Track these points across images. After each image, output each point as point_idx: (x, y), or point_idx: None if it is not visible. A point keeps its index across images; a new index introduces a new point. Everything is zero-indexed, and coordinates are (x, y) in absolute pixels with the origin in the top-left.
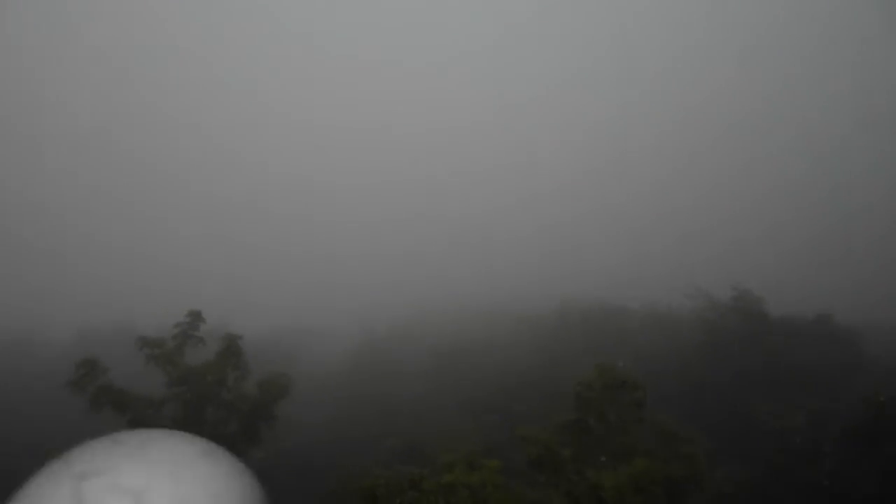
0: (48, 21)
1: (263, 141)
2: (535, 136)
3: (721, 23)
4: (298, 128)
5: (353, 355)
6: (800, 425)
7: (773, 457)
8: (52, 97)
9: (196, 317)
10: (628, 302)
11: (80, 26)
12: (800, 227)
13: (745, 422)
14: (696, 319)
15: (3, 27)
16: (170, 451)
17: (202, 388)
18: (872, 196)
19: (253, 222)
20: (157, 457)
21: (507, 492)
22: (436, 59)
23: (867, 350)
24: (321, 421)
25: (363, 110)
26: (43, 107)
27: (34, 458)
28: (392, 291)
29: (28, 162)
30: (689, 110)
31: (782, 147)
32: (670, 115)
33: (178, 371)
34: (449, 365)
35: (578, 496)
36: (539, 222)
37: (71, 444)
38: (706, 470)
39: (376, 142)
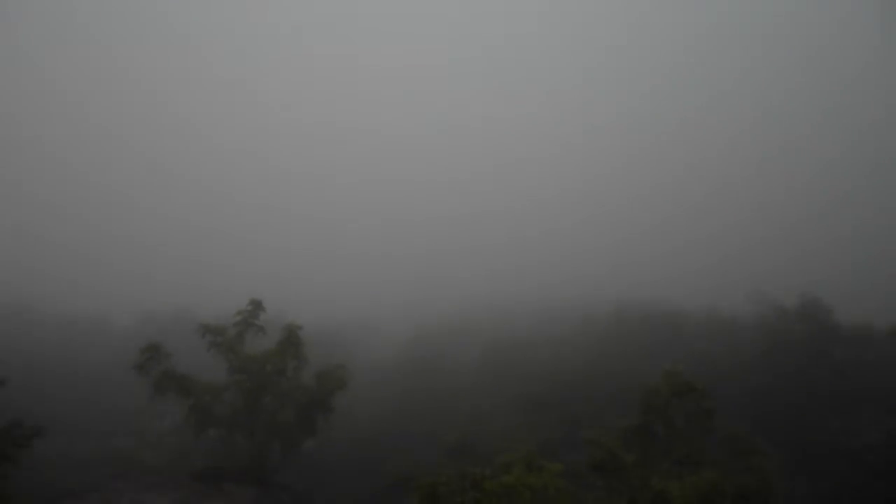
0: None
1: (309, 145)
2: (582, 134)
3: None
4: (343, 129)
5: (404, 350)
6: (876, 442)
7: (845, 473)
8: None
9: (257, 306)
10: (687, 305)
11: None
12: (873, 235)
13: (812, 435)
14: (760, 326)
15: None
16: None
17: (261, 377)
18: None
19: (307, 221)
20: None
21: (568, 496)
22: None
23: None
24: (374, 414)
25: (366, 112)
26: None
27: (98, 437)
28: (444, 288)
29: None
30: (763, 107)
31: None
32: (743, 113)
33: (238, 359)
34: (501, 361)
35: (642, 503)
36: (597, 221)
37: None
38: (776, 484)
39: (409, 144)
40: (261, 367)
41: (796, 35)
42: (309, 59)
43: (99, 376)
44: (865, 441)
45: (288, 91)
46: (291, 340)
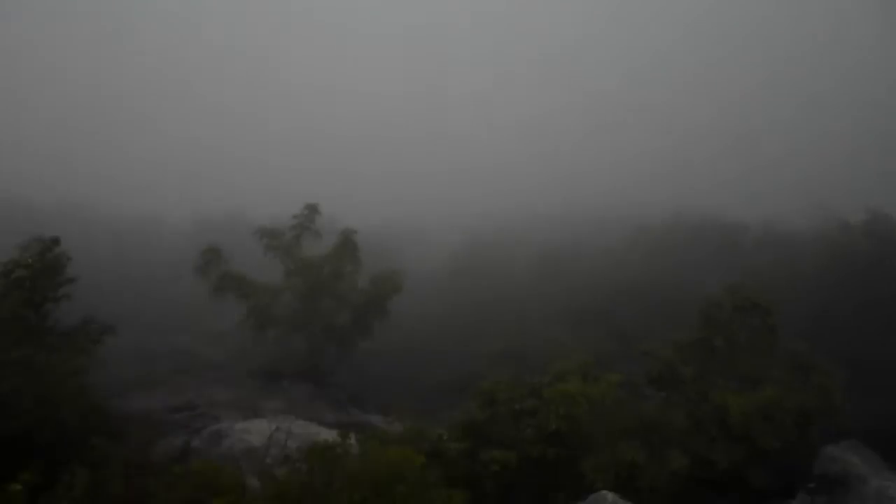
0: None
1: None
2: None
3: None
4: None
5: (454, 257)
6: None
7: None
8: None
9: (312, 210)
10: (744, 217)
11: None
12: None
13: (876, 353)
14: (821, 242)
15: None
16: None
17: (318, 280)
18: None
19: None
20: None
21: (626, 407)
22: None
23: None
24: (424, 320)
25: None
26: None
27: (160, 334)
28: (495, 195)
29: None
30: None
31: None
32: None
33: (295, 262)
34: (551, 271)
35: (700, 417)
36: (652, 127)
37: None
38: (839, 402)
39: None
40: (318, 270)
41: None
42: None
43: (156, 276)
44: None
45: None
46: (348, 244)
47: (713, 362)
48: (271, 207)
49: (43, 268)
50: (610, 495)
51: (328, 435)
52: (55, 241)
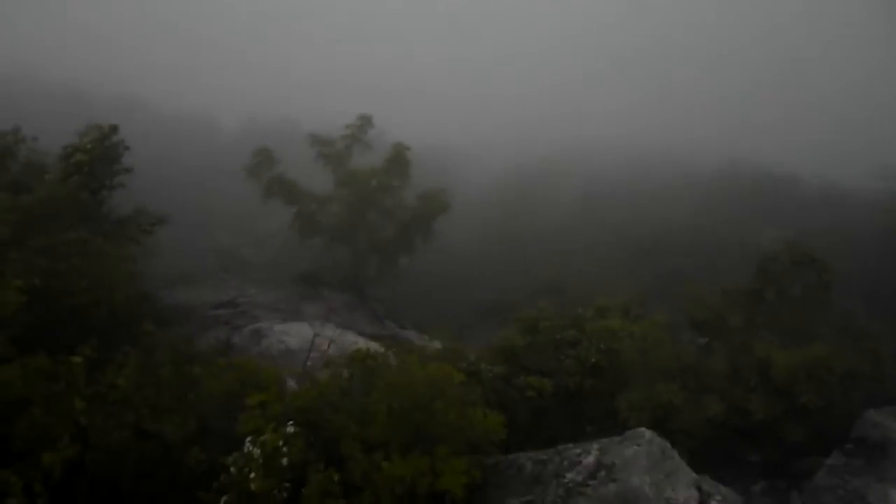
0: None
1: None
2: None
3: None
4: None
5: (501, 184)
6: None
7: None
8: None
9: (366, 122)
10: (802, 173)
11: None
12: None
13: None
14: (882, 203)
15: None
16: None
17: (366, 192)
18: None
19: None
20: None
21: (666, 348)
22: None
23: None
24: (468, 242)
25: None
26: None
27: (205, 233)
28: (545, 125)
29: None
30: None
31: None
32: None
33: (345, 172)
34: (598, 206)
35: (742, 367)
36: (707, 71)
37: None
38: (890, 370)
39: None
40: (366, 182)
41: None
42: None
43: (205, 176)
44: None
45: None
46: (398, 159)
47: (761, 314)
48: (324, 117)
49: (101, 154)
50: (648, 433)
51: (366, 345)
52: (114, 129)
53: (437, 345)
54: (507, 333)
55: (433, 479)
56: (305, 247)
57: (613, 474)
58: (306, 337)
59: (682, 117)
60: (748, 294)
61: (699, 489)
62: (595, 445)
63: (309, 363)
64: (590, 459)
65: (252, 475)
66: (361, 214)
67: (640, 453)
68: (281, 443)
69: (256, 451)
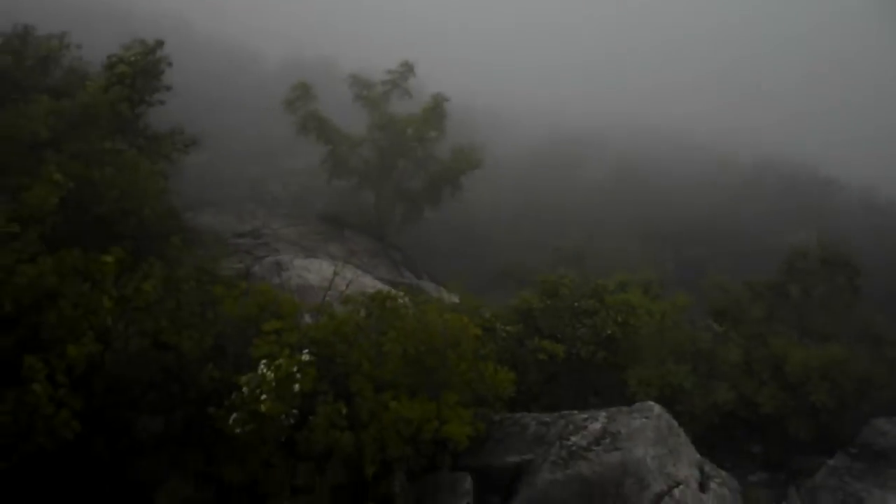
0: None
1: None
2: None
3: None
4: None
5: (532, 150)
6: None
7: None
8: None
9: (408, 69)
10: (840, 176)
11: None
12: None
13: None
14: None
15: None
16: None
17: (400, 139)
18: None
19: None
20: None
21: (682, 331)
22: None
23: None
24: (495, 203)
25: None
26: None
27: (233, 162)
28: (589, 95)
29: None
30: None
31: None
32: None
33: (381, 116)
34: (627, 183)
35: (756, 359)
36: (748, 65)
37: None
38: None
39: None
40: (401, 129)
41: None
42: None
43: (239, 105)
44: None
45: None
46: (437, 110)
47: (783, 309)
48: (363, 62)
49: (144, 68)
50: (657, 407)
51: (384, 289)
52: (159, 44)
53: (454, 299)
54: (526, 295)
55: (438, 426)
56: (332, 187)
57: (618, 443)
58: (326, 275)
59: (724, 107)
60: (772, 288)
61: (701, 470)
62: (603, 413)
63: (326, 300)
64: (596, 426)
65: (263, 397)
66: (392, 161)
67: (648, 426)
68: (295, 368)
69: (270, 375)
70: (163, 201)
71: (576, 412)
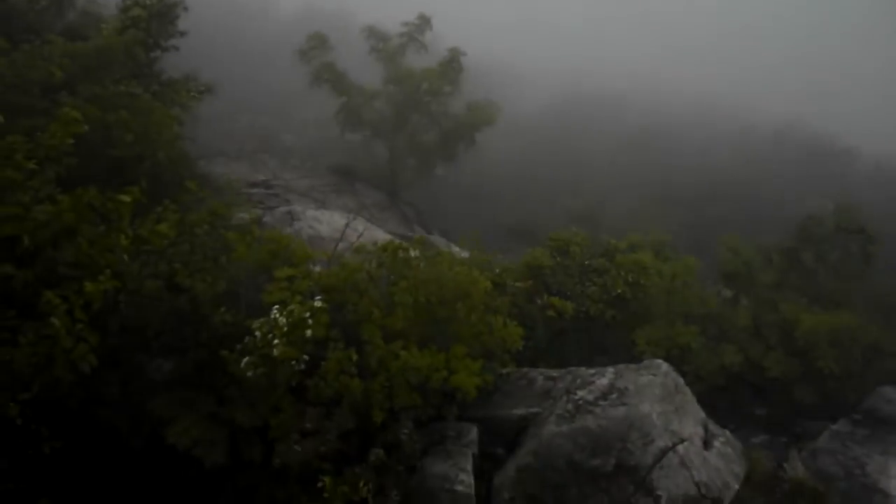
0: None
1: None
2: None
3: None
4: None
5: (548, 108)
6: None
7: None
8: None
9: (424, 22)
10: (859, 146)
11: None
12: None
13: None
14: None
15: None
16: None
17: (414, 93)
18: None
19: None
20: None
21: (692, 292)
22: None
23: None
24: (509, 161)
25: None
26: None
27: (245, 112)
28: (610, 53)
29: None
30: None
31: None
32: None
33: (396, 70)
34: (648, 147)
35: (765, 324)
36: (784, 34)
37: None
38: None
39: None
40: (416, 83)
41: None
42: None
43: (253, 54)
44: None
45: None
46: (453, 64)
47: (794, 274)
48: (380, 13)
49: (159, 12)
50: (665, 365)
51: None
52: None
53: (464, 254)
54: (536, 252)
55: (447, 376)
56: (345, 140)
57: (625, 398)
58: (337, 226)
59: (749, 72)
60: (784, 253)
61: (705, 428)
62: (610, 369)
63: (337, 251)
64: (603, 381)
65: (276, 341)
66: (406, 115)
67: (655, 383)
68: (307, 314)
69: (282, 319)
70: (176, 147)
71: (583, 368)
